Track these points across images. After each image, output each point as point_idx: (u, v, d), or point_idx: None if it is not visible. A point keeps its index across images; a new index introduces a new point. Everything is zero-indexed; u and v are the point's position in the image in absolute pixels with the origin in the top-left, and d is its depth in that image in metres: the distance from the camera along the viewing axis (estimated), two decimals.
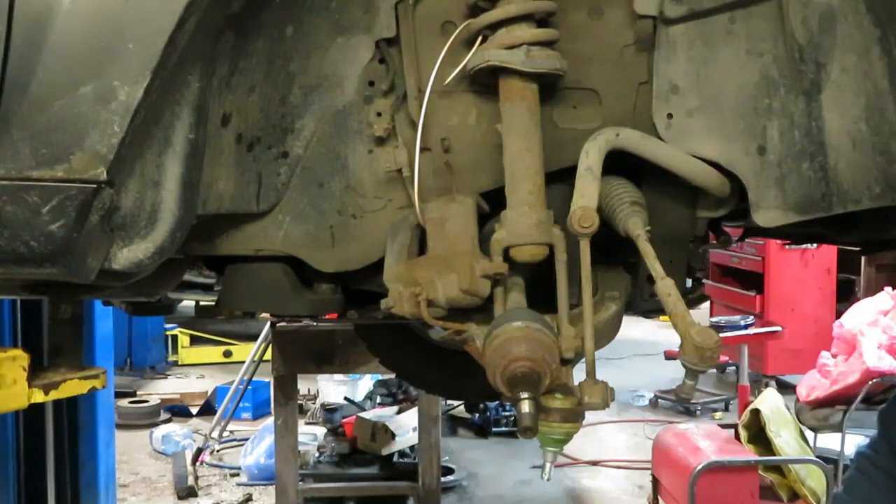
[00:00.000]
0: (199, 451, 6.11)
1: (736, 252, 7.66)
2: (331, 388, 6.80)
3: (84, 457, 4.15)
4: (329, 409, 6.22)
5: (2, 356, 1.73)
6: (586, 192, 1.41)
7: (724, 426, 4.77)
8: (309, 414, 6.82)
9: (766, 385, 6.67)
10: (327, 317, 3.52)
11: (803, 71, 1.41)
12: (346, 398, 6.47)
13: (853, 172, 1.42)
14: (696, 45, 1.46)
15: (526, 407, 1.27)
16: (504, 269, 1.43)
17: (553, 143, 1.50)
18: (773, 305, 7.59)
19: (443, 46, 1.47)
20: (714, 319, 7.22)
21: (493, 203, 1.54)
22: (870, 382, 4.55)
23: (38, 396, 1.79)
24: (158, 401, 7.48)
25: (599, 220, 1.38)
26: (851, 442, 4.33)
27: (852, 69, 1.39)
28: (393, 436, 5.44)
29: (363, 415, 5.79)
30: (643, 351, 8.70)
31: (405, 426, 5.49)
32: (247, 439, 6.16)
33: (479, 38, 1.46)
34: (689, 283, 1.80)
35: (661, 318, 1.72)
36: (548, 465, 1.41)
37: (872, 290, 6.60)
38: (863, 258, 7.54)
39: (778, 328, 6.16)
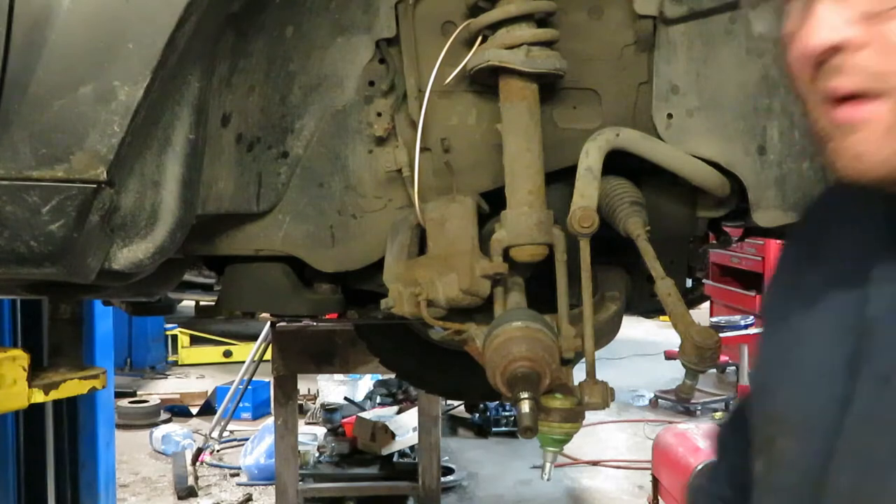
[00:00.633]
0: (199, 451, 6.11)
1: (736, 252, 7.65)
2: (331, 388, 6.80)
3: (84, 457, 4.14)
4: (329, 409, 6.22)
5: (2, 356, 1.73)
6: (586, 192, 1.41)
7: None
8: (309, 414, 6.82)
9: None
10: (327, 317, 3.52)
11: None
12: (346, 398, 6.47)
13: None
14: (696, 45, 1.46)
15: (526, 407, 1.27)
16: (504, 269, 1.43)
17: (553, 143, 1.50)
18: None
19: (443, 46, 1.47)
20: (714, 319, 7.23)
21: (493, 203, 1.54)
22: None
23: (38, 396, 1.79)
24: (158, 401, 7.47)
25: (599, 220, 1.38)
26: None
27: None
28: (393, 436, 5.44)
29: (363, 415, 5.79)
30: (643, 351, 8.69)
31: (405, 426, 5.49)
32: (247, 439, 6.16)
33: (479, 38, 1.46)
34: (689, 283, 1.80)
35: (661, 318, 1.72)
36: (548, 465, 1.41)
37: None
38: None
39: None
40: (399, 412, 5.88)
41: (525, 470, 5.94)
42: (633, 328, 8.50)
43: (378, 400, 6.42)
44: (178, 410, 7.52)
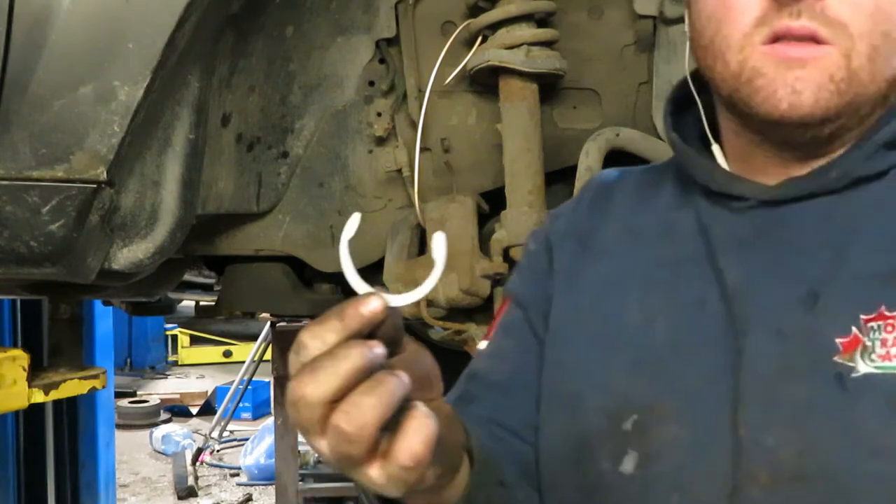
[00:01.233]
0: (199, 451, 6.11)
1: None
2: None
3: (84, 457, 4.14)
4: None
5: (2, 356, 1.73)
6: None
7: None
8: None
9: None
10: None
11: None
12: None
13: None
14: None
15: None
16: (504, 269, 1.43)
17: (553, 143, 1.51)
18: None
19: (443, 46, 1.47)
20: None
21: (493, 203, 1.54)
22: None
23: (38, 396, 1.79)
24: (158, 401, 7.48)
25: None
26: None
27: None
28: None
29: None
30: None
31: None
32: (247, 439, 6.16)
33: (479, 38, 1.46)
34: None
35: None
36: None
37: None
38: None
39: None
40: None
41: None
42: None
43: None
44: (178, 410, 7.52)
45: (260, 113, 1.54)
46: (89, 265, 1.31)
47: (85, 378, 1.91)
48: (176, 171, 1.36)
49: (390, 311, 0.56)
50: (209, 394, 7.57)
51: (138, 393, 7.99)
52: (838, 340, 0.67)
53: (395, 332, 0.57)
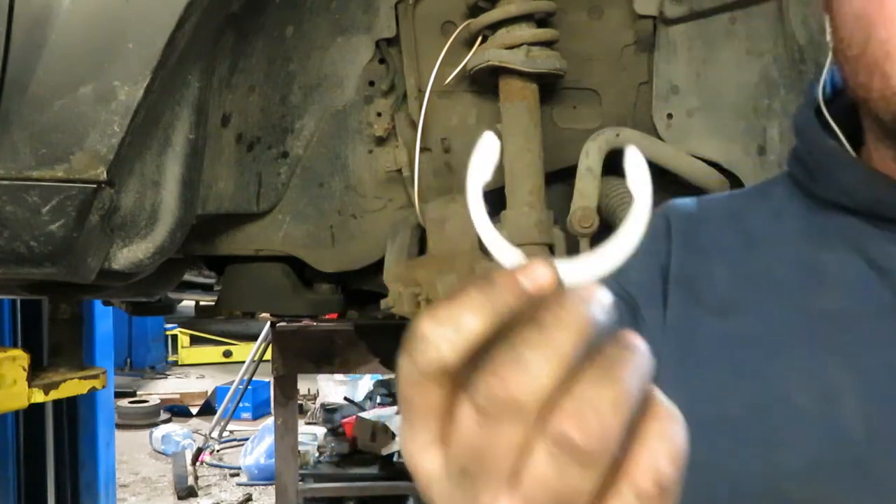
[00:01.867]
0: (199, 451, 6.11)
1: None
2: (331, 388, 6.80)
3: (84, 457, 4.14)
4: (329, 409, 6.22)
5: (2, 356, 1.73)
6: (586, 192, 1.41)
7: None
8: (309, 414, 6.82)
9: None
10: (327, 317, 3.52)
11: (803, 71, 1.41)
12: (346, 398, 6.46)
13: None
14: (696, 45, 1.46)
15: None
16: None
17: (553, 143, 1.50)
18: None
19: (443, 46, 1.47)
20: None
21: (493, 203, 1.53)
22: None
23: (38, 396, 1.79)
24: (158, 401, 7.48)
25: (599, 220, 1.39)
26: None
27: None
28: (393, 436, 5.43)
29: (363, 415, 5.79)
30: None
31: None
32: (247, 439, 6.16)
33: (479, 38, 1.46)
34: None
35: None
36: None
37: None
38: None
39: None
40: (399, 412, 5.87)
41: None
42: None
43: (378, 400, 6.41)
44: (178, 410, 7.52)
45: (260, 113, 1.54)
46: (89, 265, 1.31)
47: (85, 378, 1.91)
48: (176, 171, 1.36)
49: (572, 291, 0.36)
50: (209, 394, 7.57)
51: (138, 393, 7.99)
52: None
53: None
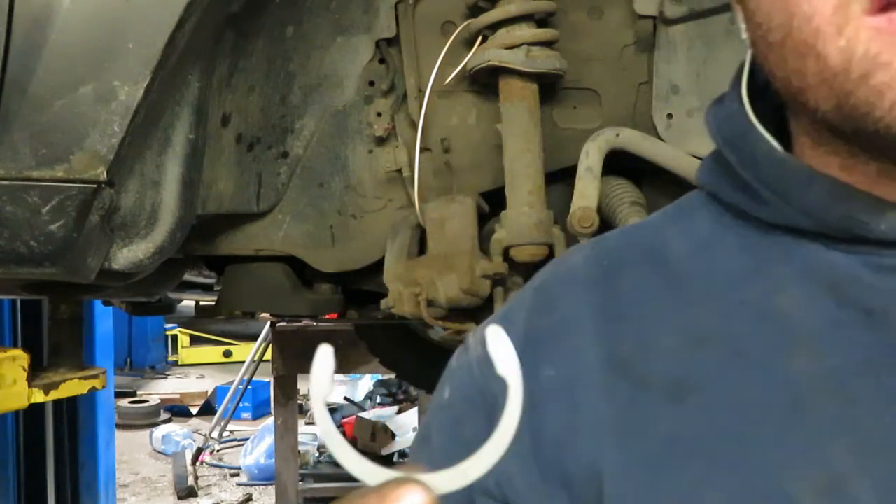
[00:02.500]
0: (199, 451, 6.11)
1: None
2: None
3: (84, 457, 4.14)
4: (329, 409, 6.21)
5: (2, 356, 1.73)
6: (586, 192, 1.41)
7: None
8: (309, 414, 6.82)
9: None
10: (327, 317, 3.52)
11: None
12: (346, 398, 6.47)
13: None
14: (696, 45, 1.46)
15: None
16: (504, 269, 1.43)
17: (553, 143, 1.50)
18: None
19: (443, 46, 1.47)
20: None
21: (493, 203, 1.54)
22: None
23: (38, 396, 1.79)
24: (158, 401, 7.48)
25: (599, 220, 1.38)
26: None
27: None
28: (393, 436, 5.44)
29: (363, 415, 5.79)
30: None
31: (405, 426, 5.49)
32: (247, 439, 6.16)
33: (479, 38, 1.46)
34: None
35: None
36: None
37: None
38: None
39: None
40: (399, 412, 5.87)
41: None
42: None
43: (378, 400, 6.42)
44: (178, 410, 7.52)
45: (260, 113, 1.54)
46: (89, 265, 1.31)
47: (85, 378, 1.91)
48: (176, 171, 1.36)
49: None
50: (209, 394, 7.56)
51: (138, 393, 7.99)
52: None
53: None
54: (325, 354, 0.39)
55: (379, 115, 1.56)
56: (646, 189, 1.52)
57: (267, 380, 5.73)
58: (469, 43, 1.47)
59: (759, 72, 0.55)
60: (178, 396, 7.82)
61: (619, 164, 1.48)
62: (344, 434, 5.64)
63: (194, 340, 9.63)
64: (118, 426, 5.49)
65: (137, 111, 1.23)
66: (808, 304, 0.48)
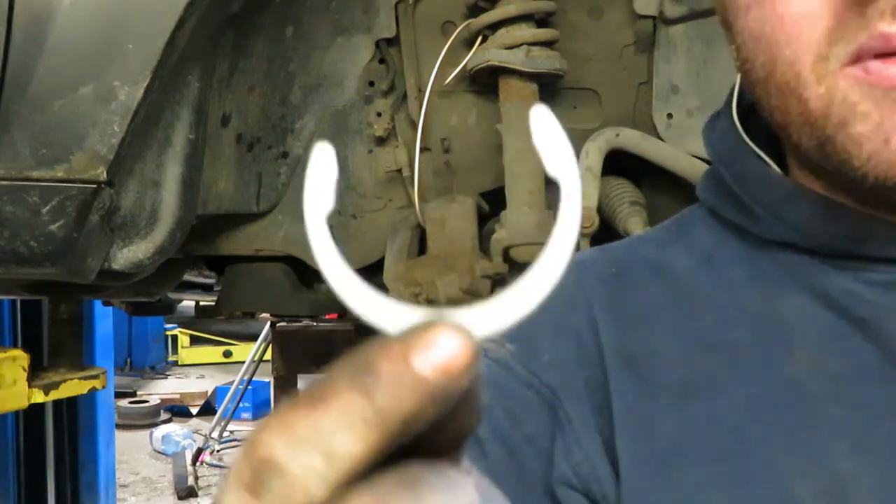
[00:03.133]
0: (199, 451, 6.11)
1: None
2: None
3: (84, 457, 4.14)
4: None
5: (2, 356, 1.73)
6: (586, 192, 1.41)
7: None
8: None
9: None
10: (327, 317, 3.52)
11: None
12: None
13: None
14: (696, 45, 1.46)
15: None
16: (504, 269, 1.43)
17: None
18: None
19: (443, 46, 1.47)
20: None
21: (493, 203, 1.54)
22: None
23: (38, 396, 1.79)
24: (158, 401, 7.47)
25: (599, 220, 1.39)
26: None
27: None
28: None
29: None
30: None
31: None
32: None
33: (479, 38, 1.46)
34: None
35: None
36: None
37: None
38: None
39: None
40: None
41: None
42: None
43: None
44: (178, 410, 7.52)
45: (260, 113, 1.54)
46: (89, 265, 1.31)
47: (85, 378, 1.91)
48: (176, 171, 1.36)
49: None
50: (209, 394, 7.56)
51: (138, 393, 7.98)
52: None
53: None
54: (324, 154, 0.29)
55: (379, 115, 1.56)
56: (646, 189, 1.52)
57: (267, 380, 5.73)
58: (469, 43, 1.47)
59: None
60: (178, 396, 7.82)
61: (619, 164, 1.48)
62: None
63: (194, 340, 9.63)
64: (118, 426, 5.49)
65: (137, 111, 1.23)
66: (806, 313, 0.50)
